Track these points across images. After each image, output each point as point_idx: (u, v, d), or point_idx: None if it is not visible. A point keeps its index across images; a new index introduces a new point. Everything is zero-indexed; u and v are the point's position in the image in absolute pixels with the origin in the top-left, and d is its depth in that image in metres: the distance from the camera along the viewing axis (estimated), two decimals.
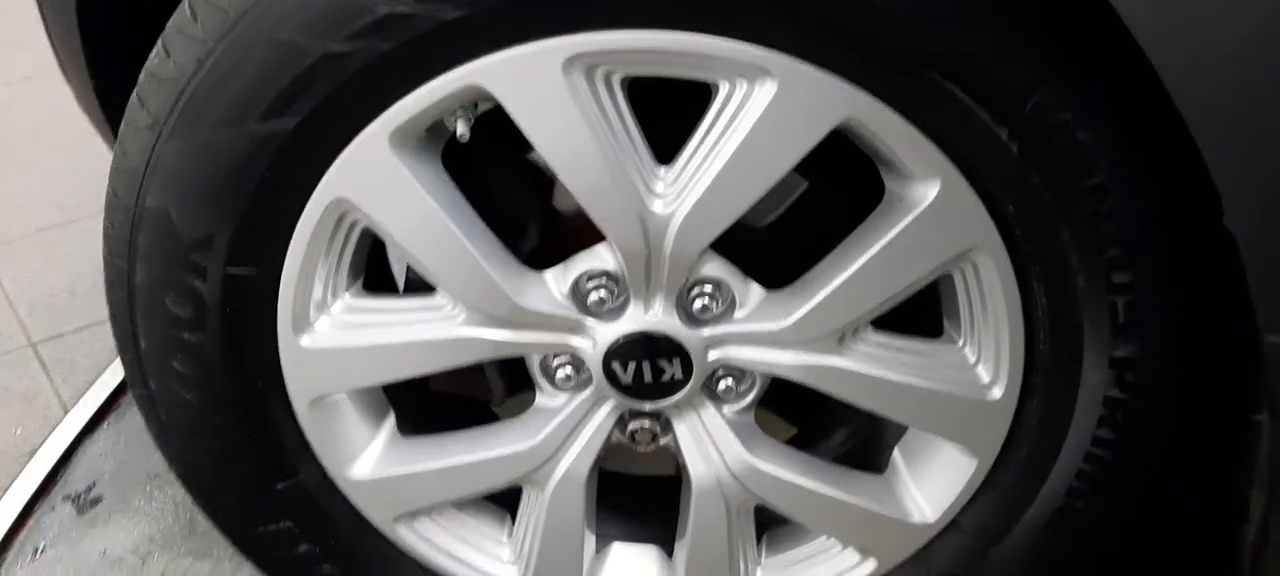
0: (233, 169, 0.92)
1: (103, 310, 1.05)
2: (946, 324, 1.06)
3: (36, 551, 1.53)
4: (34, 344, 2.01)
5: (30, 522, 1.58)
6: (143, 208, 0.95)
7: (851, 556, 1.16)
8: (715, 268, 1.01)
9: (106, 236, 0.99)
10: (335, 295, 1.04)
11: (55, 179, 2.65)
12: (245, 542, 1.15)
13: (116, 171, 0.96)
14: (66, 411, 1.80)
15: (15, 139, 2.93)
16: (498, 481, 1.13)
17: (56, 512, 1.60)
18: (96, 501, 1.62)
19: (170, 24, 0.91)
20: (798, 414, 1.29)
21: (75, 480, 1.67)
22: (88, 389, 1.85)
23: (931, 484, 1.11)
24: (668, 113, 0.95)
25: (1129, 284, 0.92)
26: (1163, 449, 1.01)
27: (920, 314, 1.07)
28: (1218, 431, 0.99)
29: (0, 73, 3.40)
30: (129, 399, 1.82)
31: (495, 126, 0.96)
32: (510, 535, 1.20)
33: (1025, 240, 0.93)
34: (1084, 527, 1.06)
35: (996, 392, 1.02)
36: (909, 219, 0.93)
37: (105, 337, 1.12)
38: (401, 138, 0.93)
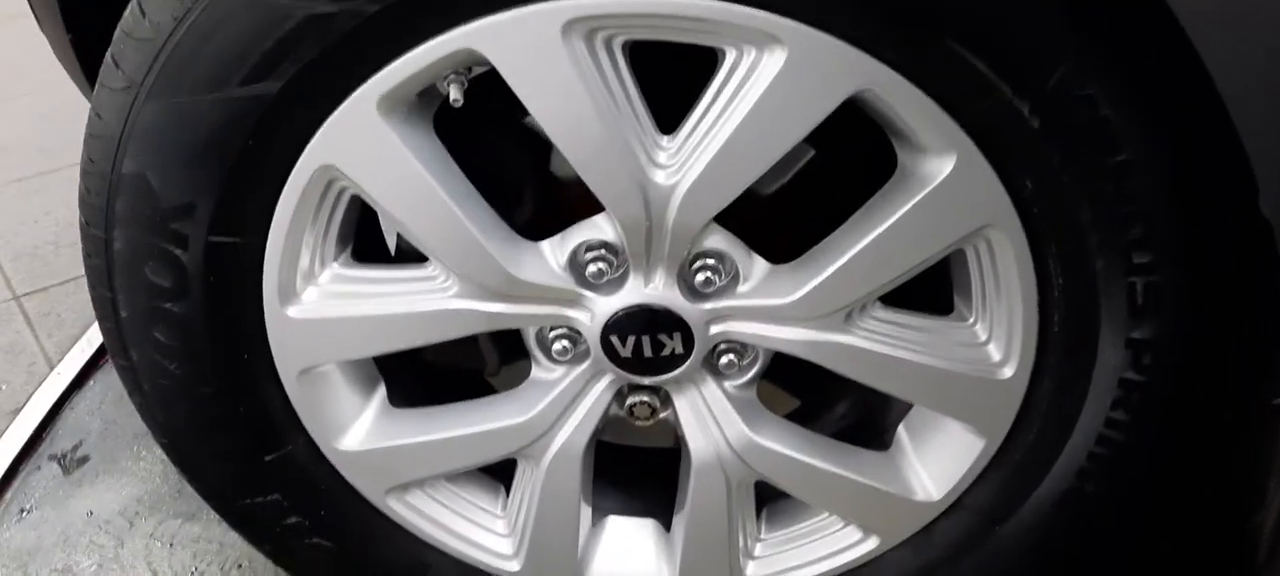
0: (214, 135, 0.88)
1: None
2: (957, 300, 1.03)
3: (22, 511, 1.51)
4: (18, 297, 1.97)
5: (15, 482, 1.55)
6: (119, 174, 0.90)
7: (852, 533, 1.14)
8: (718, 240, 0.97)
9: (82, 203, 0.94)
10: (323, 265, 1.00)
11: (39, 123, 2.58)
12: (232, 514, 1.13)
13: (92, 136, 0.92)
14: (52, 367, 1.77)
15: None
16: (491, 455, 1.10)
17: (42, 472, 1.58)
18: (83, 460, 1.60)
19: None
20: (800, 386, 1.26)
21: (61, 439, 1.64)
22: (73, 344, 1.82)
23: (937, 462, 1.08)
24: (673, 79, 0.91)
25: (1150, 265, 0.88)
26: (1178, 433, 0.98)
27: (930, 290, 1.03)
28: (1236, 417, 0.96)
29: None
30: None
31: (491, 89, 0.92)
32: (504, 507, 1.18)
33: (1043, 218, 0.89)
34: (1093, 511, 1.03)
35: (1007, 372, 0.99)
36: (922, 195, 0.89)
37: None
38: (391, 103, 0.89)
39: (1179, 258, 0.88)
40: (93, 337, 1.83)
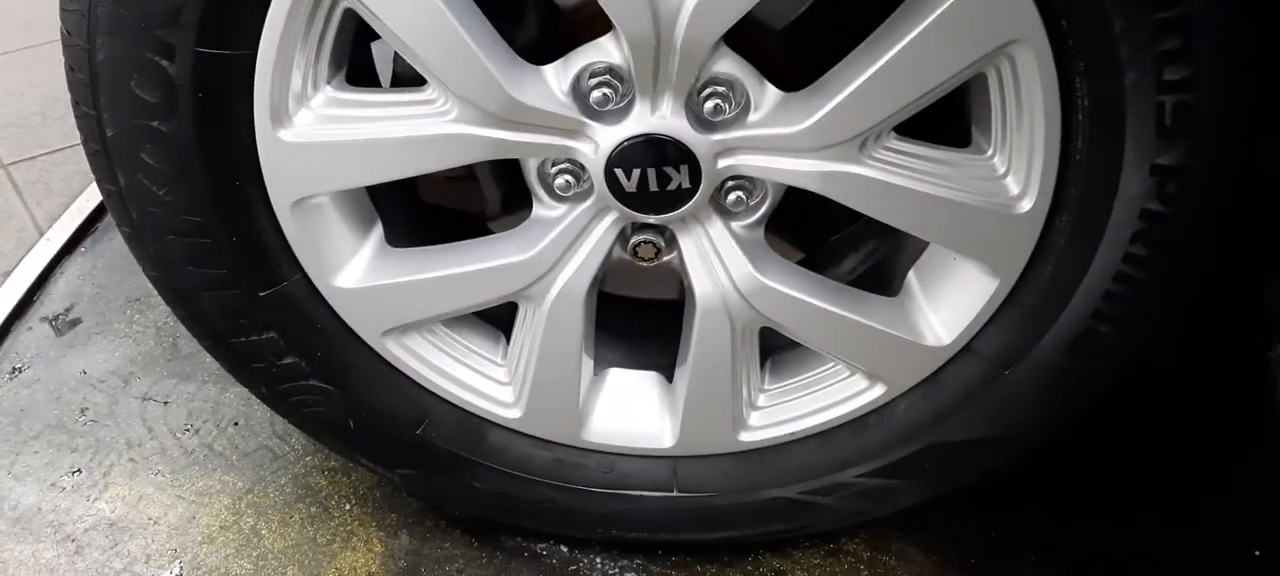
0: None
1: (76, 134, 0.97)
2: (974, 132, 0.99)
3: (14, 371, 1.49)
4: (5, 166, 1.92)
5: (6, 343, 1.53)
6: None
7: (859, 381, 1.12)
8: (729, 65, 0.93)
9: (63, 11, 0.90)
10: (316, 86, 0.96)
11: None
12: (226, 353, 1.10)
13: None
14: (41, 233, 1.73)
15: None
16: (491, 295, 1.07)
17: (34, 333, 1.55)
18: (75, 323, 1.57)
19: None
20: (805, 239, 1.23)
21: (52, 302, 1.61)
22: (63, 211, 1.78)
23: (947, 305, 1.06)
24: None
25: (1183, 82, 0.84)
26: (1198, 268, 0.95)
27: (945, 123, 1.00)
28: (1255, 245, 0.93)
29: None
30: (106, 223, 1.76)
31: None
32: (505, 355, 1.15)
33: (1072, 31, 0.85)
34: (1108, 352, 1.01)
35: (1025, 205, 0.95)
36: (945, 6, 0.85)
37: (80, 161, 1.04)
38: None
39: (1214, 73, 0.84)
40: (82, 206, 1.79)
